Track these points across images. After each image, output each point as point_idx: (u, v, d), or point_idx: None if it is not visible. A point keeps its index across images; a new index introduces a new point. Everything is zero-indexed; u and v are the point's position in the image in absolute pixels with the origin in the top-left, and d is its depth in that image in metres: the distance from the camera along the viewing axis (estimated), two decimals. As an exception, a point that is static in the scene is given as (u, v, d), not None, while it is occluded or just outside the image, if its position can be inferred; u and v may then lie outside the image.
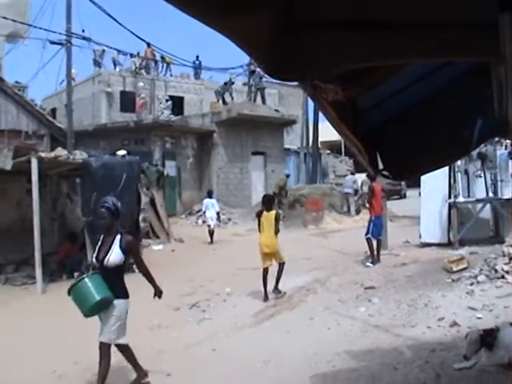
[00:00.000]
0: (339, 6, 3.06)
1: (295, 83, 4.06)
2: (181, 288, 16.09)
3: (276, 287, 14.95)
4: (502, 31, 3.08)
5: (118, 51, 43.40)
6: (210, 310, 13.88)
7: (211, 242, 26.20)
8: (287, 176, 35.09)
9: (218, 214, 27.49)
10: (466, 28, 3.25)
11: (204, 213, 27.94)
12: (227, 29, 2.72)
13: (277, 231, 15.14)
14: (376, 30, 3.18)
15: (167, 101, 41.35)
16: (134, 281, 16.82)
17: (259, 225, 15.29)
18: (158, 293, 10.00)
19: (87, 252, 17.85)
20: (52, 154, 18.33)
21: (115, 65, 45.40)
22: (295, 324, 12.04)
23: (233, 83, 42.98)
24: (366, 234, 17.59)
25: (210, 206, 27.12)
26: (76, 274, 17.77)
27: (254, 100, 41.76)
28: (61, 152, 18.73)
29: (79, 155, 19.17)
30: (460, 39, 3.29)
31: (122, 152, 23.10)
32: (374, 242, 17.61)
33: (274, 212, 15.25)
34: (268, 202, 15.47)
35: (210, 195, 28.16)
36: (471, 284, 12.70)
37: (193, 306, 14.26)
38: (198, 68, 47.64)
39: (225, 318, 13.12)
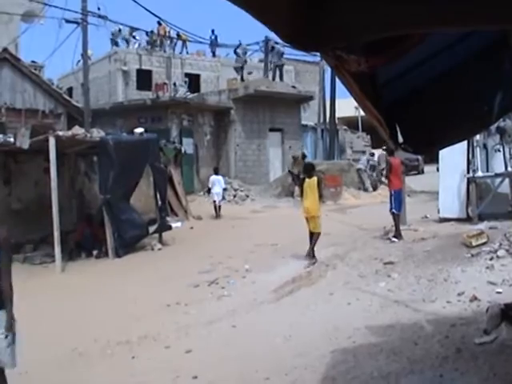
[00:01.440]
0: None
1: (312, 57, 4.01)
2: (199, 265, 16.24)
3: (312, 252, 15.72)
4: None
5: (132, 28, 43.25)
6: (229, 287, 13.90)
7: (216, 216, 27.16)
8: (304, 156, 34.75)
9: (223, 190, 28.60)
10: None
11: (210, 189, 28.60)
12: None
13: (320, 195, 16.60)
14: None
15: (185, 82, 41.26)
16: (151, 258, 17.07)
17: (301, 192, 16.80)
18: (8, 325, 6.60)
19: (106, 230, 17.94)
20: (69, 133, 18.34)
21: (128, 43, 45.24)
22: (315, 299, 12.03)
23: (246, 53, 42.77)
24: (391, 208, 17.49)
25: (216, 183, 28.05)
26: (95, 253, 17.95)
27: (273, 78, 41.64)
28: (78, 130, 18.72)
29: (96, 133, 19.17)
30: (483, 7, 3.23)
31: (139, 130, 23.03)
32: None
33: (315, 178, 16.36)
34: (309, 170, 16.69)
35: (216, 172, 29.21)
36: (491, 259, 12.61)
37: (212, 283, 14.27)
38: (214, 44, 47.37)
39: (244, 294, 13.13)
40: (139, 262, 17.03)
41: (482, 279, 11.56)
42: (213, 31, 47.20)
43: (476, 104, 5.85)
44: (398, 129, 5.92)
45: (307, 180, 16.33)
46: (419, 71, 5.54)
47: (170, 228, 20.83)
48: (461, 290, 11.08)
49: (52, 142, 16.50)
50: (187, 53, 47.82)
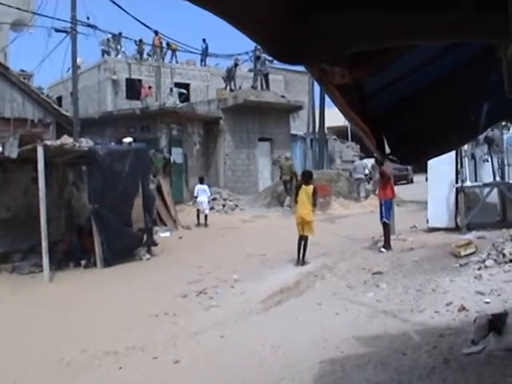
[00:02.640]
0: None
1: (301, 67, 4.02)
2: (188, 275, 16.18)
3: (303, 258, 16.36)
4: (510, 9, 3.03)
5: (115, 36, 43.15)
6: (218, 297, 13.84)
7: (198, 224, 27.64)
8: (287, 158, 34.74)
9: (208, 198, 29.00)
10: (474, 8, 3.20)
11: (196, 198, 28.81)
12: (227, 11, 2.66)
13: (314, 203, 17.11)
14: (385, 11, 3.13)
15: (181, 92, 41.32)
16: (140, 268, 17.03)
17: (297, 197, 17.10)
18: None
19: (94, 239, 17.89)
20: (58, 142, 18.29)
21: (118, 52, 45.24)
22: (303, 310, 12.00)
23: (237, 65, 42.92)
24: (381, 218, 17.43)
25: (202, 192, 28.36)
26: (83, 263, 17.90)
27: (261, 87, 41.72)
28: (67, 140, 18.67)
29: (85, 143, 19.14)
30: (469, 20, 3.24)
31: (128, 139, 22.97)
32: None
33: (311, 186, 16.91)
34: (307, 177, 17.23)
35: (201, 181, 29.46)
36: (479, 268, 12.65)
37: (200, 293, 14.21)
38: (203, 54, 47.44)
39: (232, 304, 13.10)
40: (128, 271, 16.99)
41: (471, 289, 11.55)
42: (204, 40, 47.30)
43: (463, 114, 5.89)
44: (384, 139, 5.93)
45: (304, 187, 16.89)
46: (406, 82, 5.56)
47: (155, 244, 20.71)
48: (449, 300, 11.07)
49: (40, 151, 16.44)
50: (177, 62, 47.87)
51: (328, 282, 14.18)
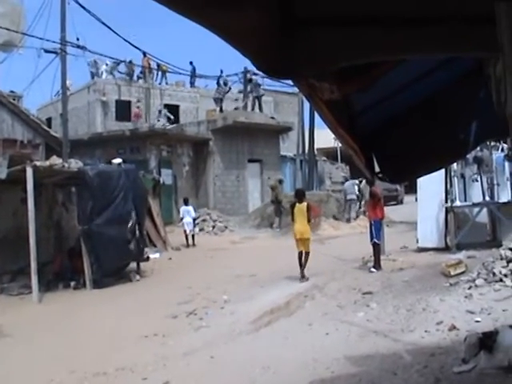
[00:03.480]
0: (336, 2, 3.02)
1: (291, 88, 4.03)
2: (178, 296, 16.16)
3: (302, 272, 16.75)
4: (498, 21, 3.04)
5: (99, 55, 43.15)
6: (208, 318, 13.78)
7: (187, 245, 28.16)
8: (280, 181, 35.02)
9: (194, 220, 29.49)
10: (463, 22, 3.21)
11: (181, 219, 29.31)
12: (218, 25, 2.66)
13: (309, 219, 17.91)
14: (373, 26, 3.14)
15: (168, 116, 41.33)
16: (130, 289, 16.95)
17: (292, 215, 17.77)
18: None
19: (84, 261, 17.81)
20: (47, 163, 18.31)
21: (110, 73, 45.32)
22: (293, 330, 11.94)
23: (226, 84, 43.04)
24: (372, 238, 17.40)
25: (186, 213, 28.93)
26: (72, 284, 17.80)
27: (252, 108, 41.94)
28: (56, 161, 18.71)
29: (74, 164, 19.13)
30: (457, 33, 3.25)
31: (117, 160, 23.01)
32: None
33: (305, 203, 17.67)
34: (300, 195, 18.06)
35: (186, 203, 29.99)
36: (469, 288, 12.63)
37: (190, 314, 14.15)
38: (192, 75, 47.55)
39: (222, 325, 13.00)
40: (117, 292, 16.91)
41: (461, 308, 11.54)
42: (191, 63, 47.50)
43: (452, 132, 5.91)
44: (374, 158, 5.93)
45: (298, 205, 17.60)
46: (394, 100, 5.60)
47: (147, 259, 20.72)
48: (439, 319, 11.06)
49: (29, 172, 16.40)
50: (166, 83, 47.95)
51: (318, 302, 14.13)
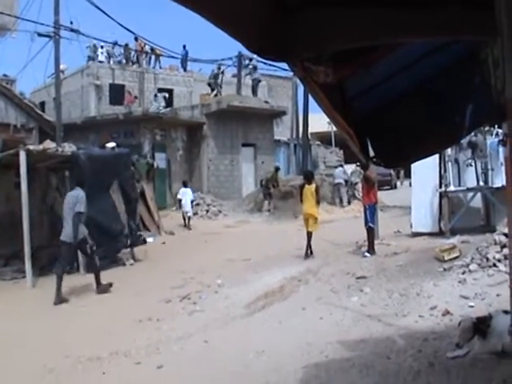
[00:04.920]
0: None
1: (284, 72, 4.00)
2: (172, 280, 16.18)
3: (306, 251, 17.83)
4: (497, 6, 3.01)
5: (93, 39, 43.04)
6: (202, 302, 13.75)
7: (185, 225, 28.93)
8: (277, 169, 35.18)
9: (192, 201, 30.13)
10: (461, 5, 3.18)
11: (180, 201, 30.07)
12: (208, 9, 2.62)
13: (318, 201, 18.79)
14: (370, 8, 3.10)
15: (164, 98, 41.15)
16: (124, 274, 16.92)
17: (301, 196, 18.73)
18: None
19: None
20: (40, 147, 18.23)
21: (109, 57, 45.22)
22: (287, 314, 11.92)
23: (222, 72, 43.05)
24: (366, 223, 17.48)
25: (186, 195, 29.72)
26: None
27: (254, 91, 42.04)
28: (49, 145, 18.62)
29: (68, 148, 19.05)
30: (455, 17, 3.23)
31: (111, 144, 22.99)
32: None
33: (314, 185, 18.71)
34: (308, 177, 19.08)
35: (185, 185, 30.79)
36: (463, 273, 12.64)
37: (184, 298, 14.14)
38: (184, 60, 47.38)
39: (216, 309, 12.99)
40: (111, 277, 16.79)
41: (455, 293, 11.55)
42: (184, 46, 47.41)
43: (447, 117, 5.89)
44: (368, 142, 5.91)
45: (307, 186, 18.53)
46: (389, 85, 5.58)
47: (144, 242, 20.72)
48: (433, 304, 11.06)
49: (23, 156, 16.32)
50: (160, 67, 47.83)
51: (312, 287, 14.14)
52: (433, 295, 11.70)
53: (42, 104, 43.42)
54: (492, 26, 3.15)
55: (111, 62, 45.16)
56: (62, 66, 35.40)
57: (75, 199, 15.29)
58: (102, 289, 15.37)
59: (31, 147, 17.75)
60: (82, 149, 19.88)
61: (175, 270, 17.54)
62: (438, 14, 3.19)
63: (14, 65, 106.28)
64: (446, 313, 10.39)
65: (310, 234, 18.05)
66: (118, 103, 42.37)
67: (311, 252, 17.88)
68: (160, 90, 43.37)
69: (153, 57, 47.40)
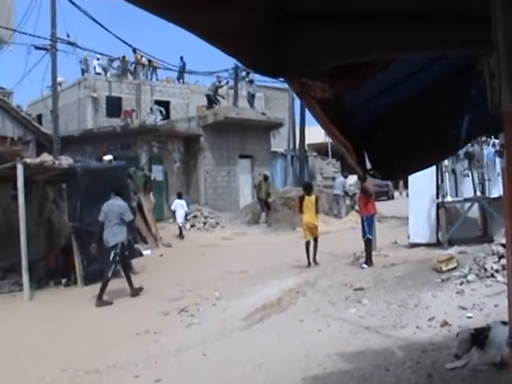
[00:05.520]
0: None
1: (281, 84, 4.02)
2: (169, 293, 16.19)
3: (314, 259, 18.53)
4: (493, 18, 3.02)
5: (90, 52, 43.07)
6: (199, 315, 13.74)
7: (180, 235, 29.27)
8: (266, 177, 34.86)
9: (186, 213, 30.59)
10: (454, 19, 3.19)
11: (174, 212, 30.48)
12: (199, 26, 2.61)
13: (317, 211, 19.52)
14: (366, 23, 3.11)
15: (160, 112, 41.11)
16: (121, 286, 16.90)
17: (301, 207, 19.16)
18: None
19: (75, 258, 17.74)
20: (37, 160, 18.19)
21: (105, 70, 45.28)
22: (285, 327, 11.88)
23: (222, 86, 43.15)
24: (364, 234, 17.44)
25: (180, 206, 30.05)
26: (63, 281, 17.70)
27: (251, 104, 42.13)
28: (46, 157, 18.57)
29: (65, 161, 19.02)
30: (448, 31, 3.24)
31: (108, 157, 22.96)
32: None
33: (313, 196, 19.40)
34: (307, 188, 19.66)
35: (179, 197, 31.10)
36: (461, 283, 12.61)
37: (181, 311, 14.13)
38: (182, 71, 47.40)
39: (214, 322, 12.95)
40: (108, 289, 16.81)
41: (453, 304, 11.52)
42: (181, 58, 47.33)
43: (444, 129, 5.88)
44: (365, 155, 5.92)
45: (307, 197, 19.04)
46: (386, 98, 5.60)
47: (140, 255, 20.70)
48: (431, 315, 11.03)
49: (20, 169, 16.32)
50: (157, 79, 47.87)
51: (310, 299, 14.09)
52: (431, 306, 11.66)
53: (40, 116, 43.32)
54: (485, 39, 3.17)
55: (108, 75, 45.18)
56: (59, 79, 35.43)
57: (119, 208, 16.33)
58: (135, 290, 16.42)
59: (28, 160, 17.73)
60: (79, 162, 19.87)
61: (173, 283, 17.50)
62: (433, 28, 3.20)
63: (11, 77, 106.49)
64: (445, 324, 10.36)
65: (315, 241, 18.70)
66: (114, 115, 42.38)
67: (314, 259, 18.47)
68: (157, 102, 43.45)
69: (150, 69, 47.39)
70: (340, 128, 4.91)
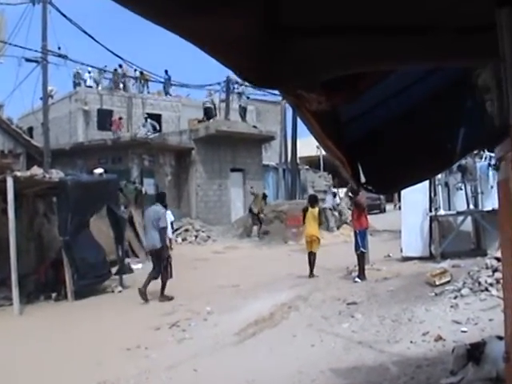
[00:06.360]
0: (326, 10, 2.90)
1: (273, 97, 3.94)
2: (160, 307, 16.08)
3: (311, 272, 18.80)
4: (500, 28, 2.94)
5: (80, 65, 42.99)
6: (191, 330, 13.58)
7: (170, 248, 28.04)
8: (264, 195, 34.92)
9: (172, 223, 28.98)
10: (451, 31, 3.11)
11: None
12: (196, 35, 2.54)
13: (320, 223, 20.13)
14: (364, 35, 3.03)
15: (154, 125, 41.03)
16: (111, 301, 16.76)
17: (304, 218, 19.64)
18: None
19: (65, 272, 17.59)
20: (28, 173, 18.05)
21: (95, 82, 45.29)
22: (278, 342, 11.78)
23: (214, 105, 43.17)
24: (357, 248, 17.40)
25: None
26: (54, 295, 17.53)
27: (243, 117, 42.18)
28: (37, 171, 18.44)
29: (55, 174, 18.89)
30: (452, 42, 3.16)
31: (99, 170, 22.88)
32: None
33: (317, 208, 19.69)
34: (312, 201, 20.02)
35: (165, 207, 29.70)
36: (455, 297, 12.59)
37: (173, 326, 13.95)
38: (168, 84, 47.40)
39: (206, 337, 12.80)
40: (99, 304, 16.70)
41: (447, 318, 11.50)
42: (166, 71, 47.47)
43: (439, 142, 5.78)
44: (360, 168, 5.84)
45: (310, 209, 19.39)
46: (381, 110, 5.53)
47: (131, 271, 20.60)
48: (425, 329, 10.99)
49: (10, 182, 16.16)
50: (148, 92, 47.85)
51: (303, 313, 14.01)
52: (425, 320, 11.63)
53: (30, 129, 43.33)
54: (486, 50, 3.09)
55: (99, 88, 45.14)
56: (49, 88, 35.32)
57: (157, 214, 17.32)
58: (165, 298, 17.12)
59: (18, 173, 17.58)
60: (69, 175, 19.75)
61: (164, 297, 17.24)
62: (432, 40, 3.12)
63: (2, 90, 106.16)
64: (439, 338, 10.32)
65: (314, 255, 18.94)
66: (106, 129, 42.28)
67: (311, 272, 18.73)
68: (148, 115, 43.28)
69: (140, 81, 47.37)
70: (335, 140, 4.83)
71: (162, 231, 17.26)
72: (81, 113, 43.09)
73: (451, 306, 12.12)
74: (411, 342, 10.52)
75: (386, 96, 5.32)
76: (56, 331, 14.27)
